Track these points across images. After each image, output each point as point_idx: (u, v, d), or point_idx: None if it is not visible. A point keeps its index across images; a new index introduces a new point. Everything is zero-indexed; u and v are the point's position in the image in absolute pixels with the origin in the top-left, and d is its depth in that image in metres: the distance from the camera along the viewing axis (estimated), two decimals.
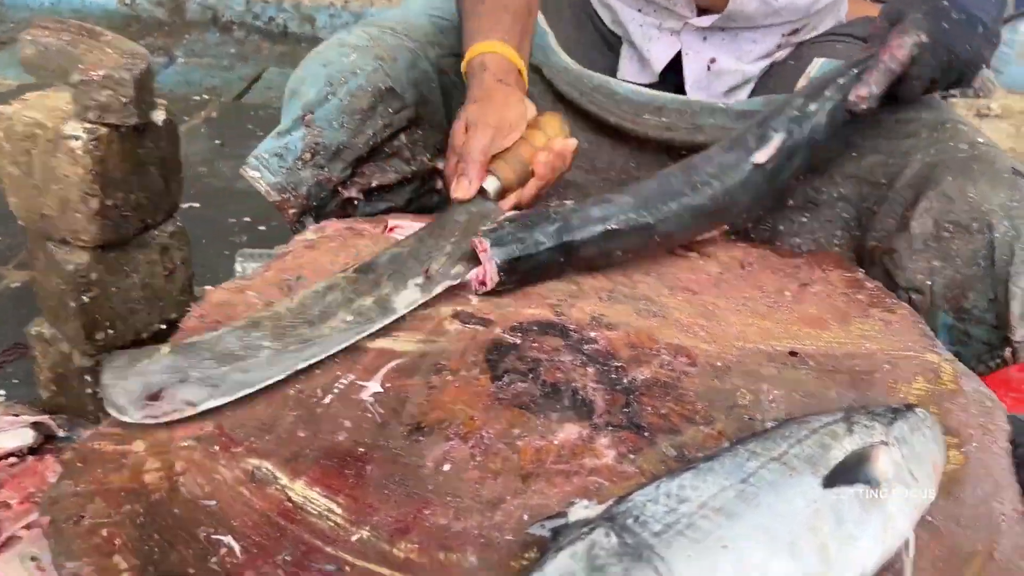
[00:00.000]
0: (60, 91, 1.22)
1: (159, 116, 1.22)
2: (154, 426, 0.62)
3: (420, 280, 0.75)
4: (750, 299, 0.83)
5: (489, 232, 0.75)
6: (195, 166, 2.19)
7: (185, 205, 2.08)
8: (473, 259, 0.76)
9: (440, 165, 1.01)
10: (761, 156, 0.82)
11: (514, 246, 0.75)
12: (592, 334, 0.73)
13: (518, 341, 0.71)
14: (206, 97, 2.76)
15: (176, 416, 0.61)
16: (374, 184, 0.95)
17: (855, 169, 0.96)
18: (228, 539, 0.53)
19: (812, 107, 0.86)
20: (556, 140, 0.89)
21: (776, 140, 0.83)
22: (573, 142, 0.91)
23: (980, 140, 0.92)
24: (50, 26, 1.29)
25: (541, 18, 1.04)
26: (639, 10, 1.08)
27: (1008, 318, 0.83)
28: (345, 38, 0.95)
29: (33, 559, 1.00)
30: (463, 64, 0.92)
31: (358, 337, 0.68)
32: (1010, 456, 0.67)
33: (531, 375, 0.67)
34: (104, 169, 1.14)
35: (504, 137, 0.86)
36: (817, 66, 1.04)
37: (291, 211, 0.92)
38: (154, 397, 0.62)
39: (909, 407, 0.62)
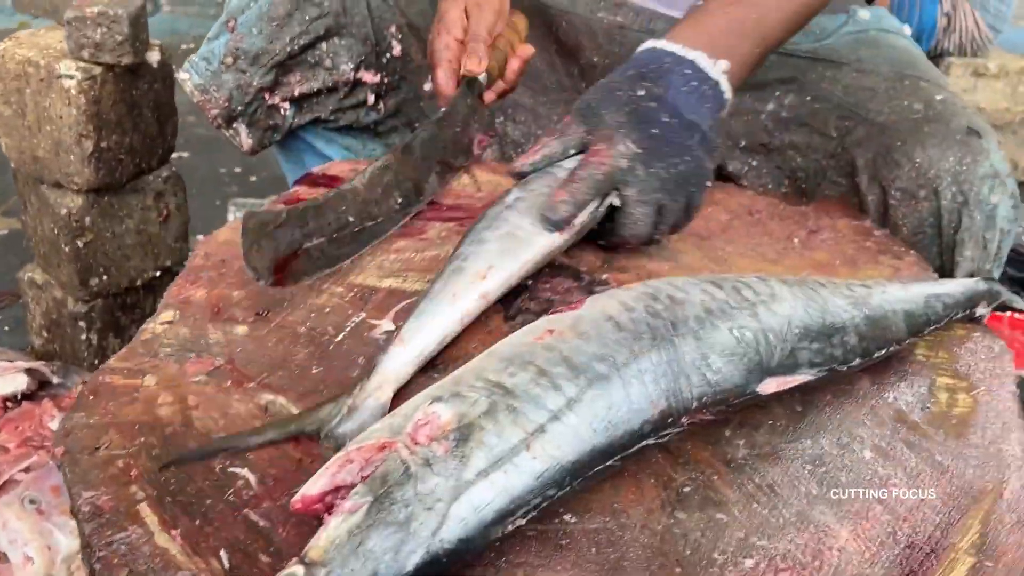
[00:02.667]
0: (53, 29, 1.19)
1: (154, 57, 1.20)
2: (165, 360, 0.61)
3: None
4: (759, 245, 0.83)
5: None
6: (183, 115, 2.15)
7: (175, 155, 2.05)
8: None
9: (428, 87, 1.02)
10: None
11: None
12: (604, 276, 0.73)
13: (529, 282, 0.71)
14: (192, 46, 2.69)
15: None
16: (297, 93, 0.98)
17: (810, 118, 0.95)
18: (244, 471, 0.53)
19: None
20: (523, 47, 0.91)
21: None
22: (530, 49, 0.92)
23: (939, 97, 0.89)
24: None
25: None
26: None
27: None
28: None
29: (32, 502, 1.00)
30: None
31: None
32: (1016, 399, 0.68)
33: (547, 313, 0.67)
34: (98, 110, 1.12)
35: (501, 22, 0.88)
36: None
37: (213, 111, 0.96)
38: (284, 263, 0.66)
39: None
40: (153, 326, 0.66)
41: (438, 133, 0.79)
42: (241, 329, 0.65)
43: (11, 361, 1.26)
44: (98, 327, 1.28)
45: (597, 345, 0.53)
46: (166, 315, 0.67)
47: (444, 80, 0.82)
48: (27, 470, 1.03)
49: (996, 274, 0.83)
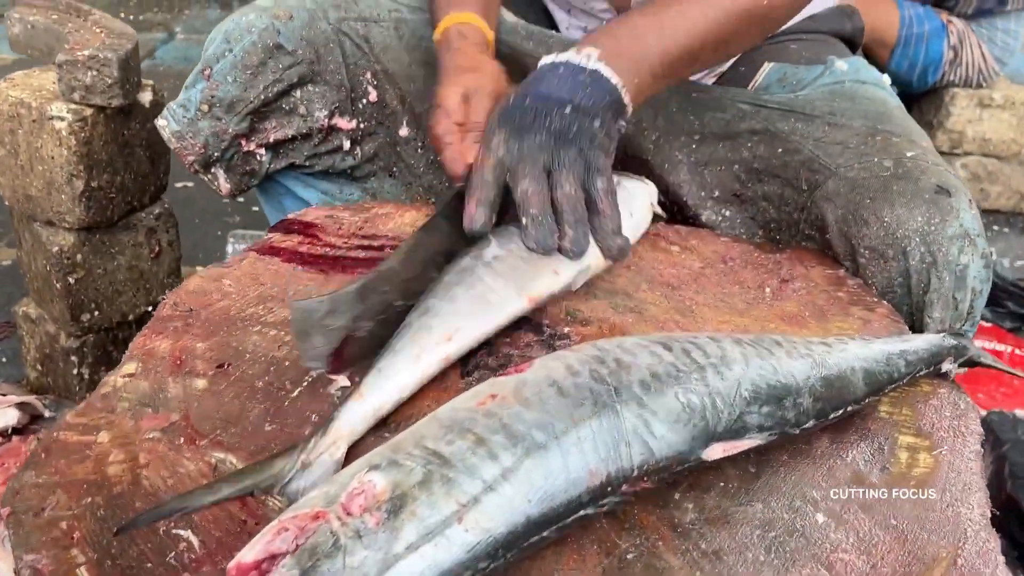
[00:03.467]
0: (46, 70, 1.22)
1: (146, 97, 1.22)
2: (121, 416, 0.62)
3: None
4: (729, 295, 0.82)
5: None
6: None
7: (179, 184, 2.07)
8: None
9: (403, 133, 1.05)
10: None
11: None
12: (565, 330, 0.73)
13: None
14: None
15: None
16: (272, 139, 1.00)
17: (781, 170, 0.95)
18: (187, 534, 0.53)
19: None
20: None
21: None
22: None
23: (909, 154, 0.88)
24: (38, 4, 1.29)
25: None
26: (568, 11, 1.07)
27: None
28: (256, 2, 1.00)
29: None
30: (436, 33, 0.94)
31: None
32: (980, 459, 0.67)
33: (502, 372, 0.67)
34: (89, 150, 1.14)
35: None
36: (765, 72, 1.03)
37: (189, 158, 0.98)
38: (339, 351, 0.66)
39: None
40: (114, 379, 0.66)
41: (459, 207, 0.80)
42: (200, 383, 0.66)
43: (3, 395, 1.28)
44: (89, 362, 1.29)
45: (538, 412, 0.53)
46: (128, 367, 0.67)
47: (452, 163, 0.82)
48: None
49: (970, 332, 0.82)
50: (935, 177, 0.83)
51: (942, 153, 2.49)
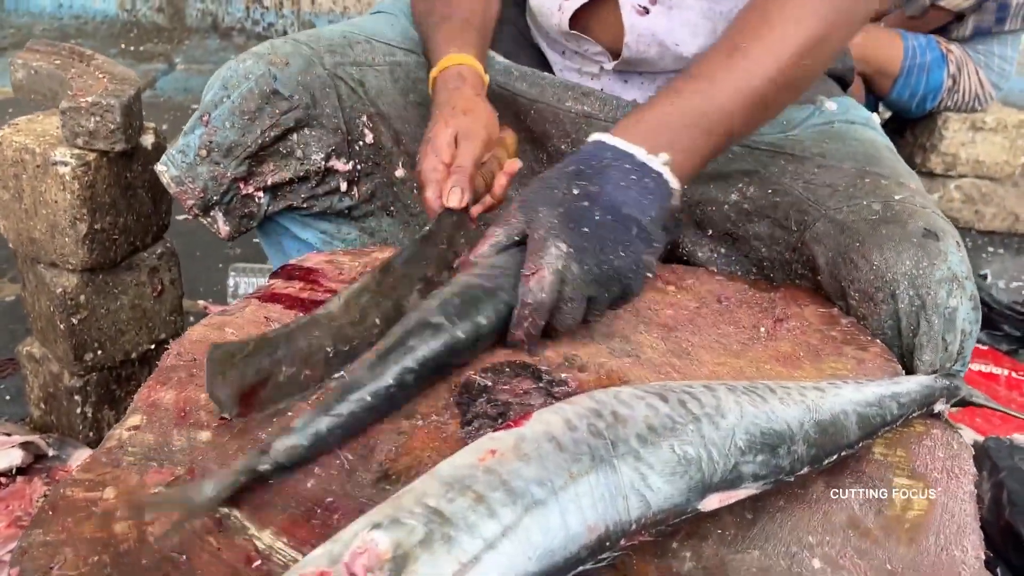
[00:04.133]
0: (50, 115, 1.23)
1: (148, 140, 1.24)
2: (126, 471, 0.63)
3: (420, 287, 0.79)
4: (724, 336, 0.84)
5: None
6: None
7: (180, 218, 2.09)
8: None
9: (399, 173, 1.07)
10: None
11: None
12: (563, 375, 0.74)
13: (489, 383, 0.72)
14: None
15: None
16: (270, 182, 1.02)
17: (771, 210, 0.97)
18: None
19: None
20: (511, 162, 0.93)
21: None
22: (517, 164, 0.94)
23: (897, 197, 0.89)
24: (41, 49, 1.31)
25: None
26: (561, 53, 1.09)
27: None
28: (253, 48, 1.02)
29: None
30: (435, 71, 0.95)
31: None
32: (974, 499, 0.68)
33: (500, 420, 0.68)
34: (92, 194, 1.16)
35: (488, 151, 0.90)
36: None
37: (189, 202, 1.00)
38: (250, 392, 0.66)
39: None
40: (120, 432, 0.67)
41: (421, 250, 0.80)
42: (204, 435, 0.67)
43: (8, 435, 1.29)
44: (93, 400, 1.30)
45: (537, 468, 0.54)
46: (133, 420, 0.68)
47: (433, 200, 0.84)
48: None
49: (961, 372, 0.83)
50: (923, 220, 0.85)
51: (936, 176, 2.52)
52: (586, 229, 0.71)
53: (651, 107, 0.79)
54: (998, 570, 1.27)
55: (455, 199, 0.85)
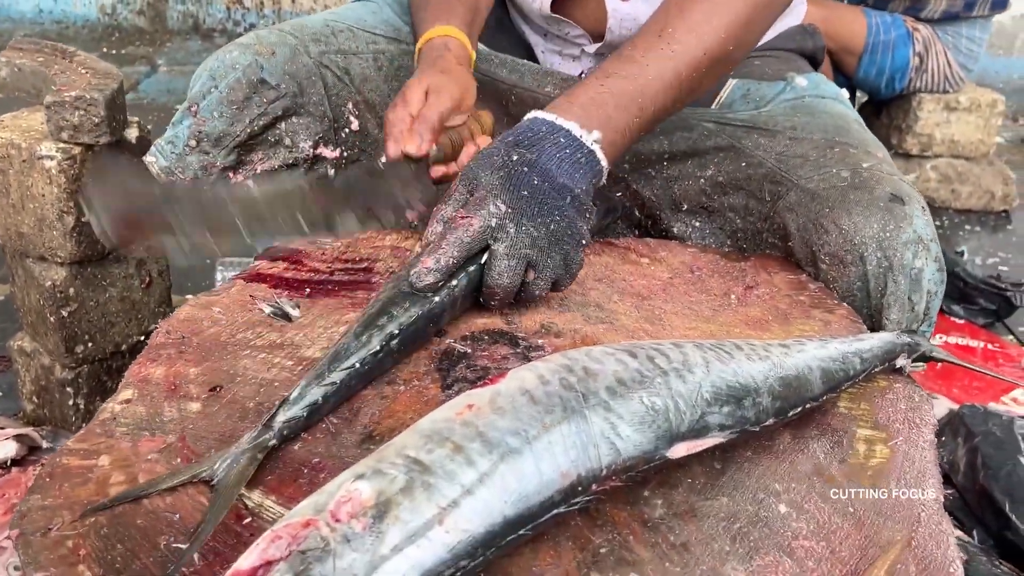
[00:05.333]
0: (35, 111, 1.25)
1: (132, 133, 1.26)
2: (120, 440, 0.65)
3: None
4: (696, 303, 0.87)
5: None
6: None
7: None
8: None
9: (385, 159, 1.07)
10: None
11: None
12: (540, 341, 0.77)
13: (468, 350, 0.75)
14: None
15: None
16: (259, 170, 1.04)
17: (745, 183, 1.00)
18: (187, 547, 0.56)
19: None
20: (483, 138, 0.95)
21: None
22: (488, 140, 0.96)
23: (865, 165, 0.92)
24: (25, 47, 1.32)
25: None
26: (543, 35, 1.12)
27: None
28: (238, 39, 1.04)
29: (17, 568, 1.04)
30: (421, 41, 0.97)
31: None
32: (934, 448, 0.71)
33: (479, 383, 0.71)
34: (79, 187, 1.18)
35: (458, 114, 0.92)
36: (729, 88, 1.07)
37: None
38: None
39: None
40: (112, 406, 0.70)
41: (368, 180, 0.82)
42: (194, 406, 0.70)
43: (1, 428, 1.31)
44: (85, 392, 1.32)
45: (511, 419, 0.56)
46: (125, 394, 0.71)
47: (393, 149, 0.87)
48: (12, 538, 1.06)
49: (927, 332, 0.86)
50: (889, 186, 0.88)
51: (913, 156, 2.56)
52: (525, 192, 0.73)
53: (584, 88, 0.82)
54: (974, 532, 1.30)
55: (413, 146, 0.87)
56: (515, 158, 0.75)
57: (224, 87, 0.98)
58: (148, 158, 1.01)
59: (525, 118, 0.80)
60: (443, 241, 0.72)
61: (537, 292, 0.76)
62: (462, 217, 0.72)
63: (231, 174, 1.01)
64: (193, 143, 0.98)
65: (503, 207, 0.72)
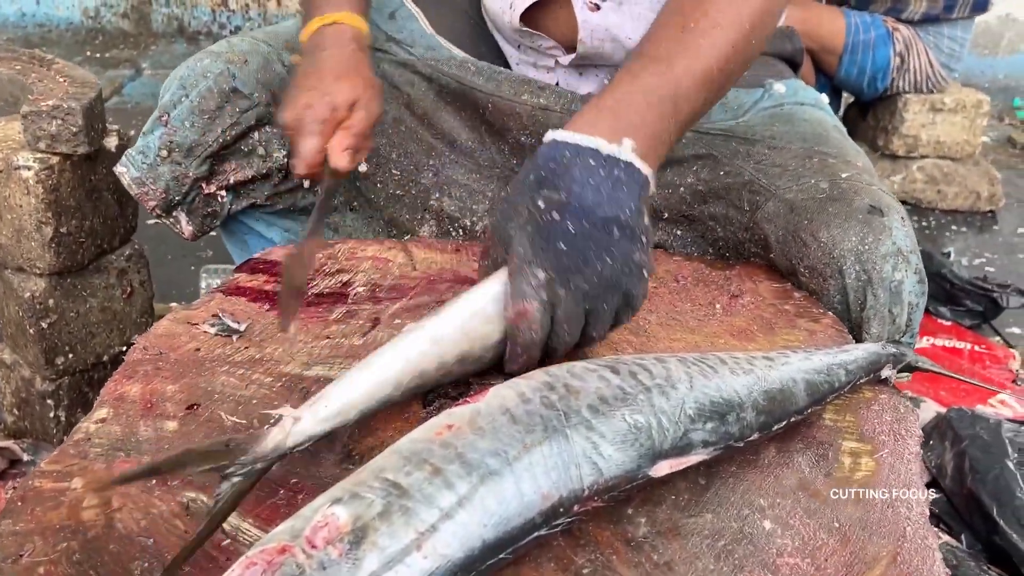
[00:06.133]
0: (11, 120, 1.24)
1: (111, 142, 1.24)
2: (94, 462, 0.64)
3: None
4: (680, 313, 0.86)
5: None
6: None
7: (151, 222, 2.09)
8: None
9: (361, 168, 1.06)
10: None
11: None
12: None
13: None
14: None
15: None
16: (232, 180, 1.02)
17: (724, 192, 0.99)
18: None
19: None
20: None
21: None
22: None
23: (844, 175, 0.91)
24: (2, 55, 1.31)
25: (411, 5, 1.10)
26: (517, 47, 1.10)
27: None
28: (210, 47, 1.02)
29: None
30: (313, 25, 0.93)
31: None
32: (920, 460, 0.71)
33: (460, 400, 0.70)
34: (57, 197, 1.16)
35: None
36: None
37: (151, 203, 1.00)
38: None
39: None
40: (87, 425, 0.68)
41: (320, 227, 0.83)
42: (171, 425, 0.68)
43: None
44: (65, 404, 1.31)
45: (491, 440, 0.55)
46: (100, 413, 0.70)
47: (308, 154, 0.87)
48: None
49: (911, 343, 0.86)
50: (868, 197, 0.87)
51: (899, 157, 2.56)
52: (562, 245, 0.64)
53: (610, 92, 0.74)
54: (962, 537, 1.30)
55: (345, 160, 0.85)
56: (542, 205, 0.66)
57: (195, 96, 0.96)
58: (119, 169, 0.99)
59: (545, 141, 0.71)
60: (515, 338, 0.66)
61: (596, 337, 0.69)
62: (517, 315, 0.65)
63: (204, 184, 1.00)
64: (164, 153, 0.97)
65: (541, 274, 0.64)
